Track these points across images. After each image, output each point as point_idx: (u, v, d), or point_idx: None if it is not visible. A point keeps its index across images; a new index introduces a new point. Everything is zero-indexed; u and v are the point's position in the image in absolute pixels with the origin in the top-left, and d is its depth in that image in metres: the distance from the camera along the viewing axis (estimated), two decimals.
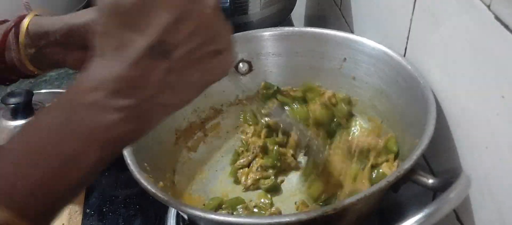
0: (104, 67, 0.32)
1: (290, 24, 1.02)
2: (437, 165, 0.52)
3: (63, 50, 0.50)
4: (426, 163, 0.54)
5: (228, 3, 0.76)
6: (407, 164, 0.42)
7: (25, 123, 0.34)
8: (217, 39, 0.35)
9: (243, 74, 0.66)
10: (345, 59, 0.62)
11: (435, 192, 0.50)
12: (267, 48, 0.66)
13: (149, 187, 0.45)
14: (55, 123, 0.33)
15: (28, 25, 0.50)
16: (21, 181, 0.31)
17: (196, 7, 0.33)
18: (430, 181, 0.43)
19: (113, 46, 0.32)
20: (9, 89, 0.80)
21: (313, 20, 1.03)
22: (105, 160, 0.34)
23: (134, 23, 0.32)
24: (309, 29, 0.65)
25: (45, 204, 0.32)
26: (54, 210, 0.33)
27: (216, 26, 0.34)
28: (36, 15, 0.51)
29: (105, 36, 0.33)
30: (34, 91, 0.72)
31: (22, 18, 0.51)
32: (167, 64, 0.33)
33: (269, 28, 0.67)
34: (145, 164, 0.50)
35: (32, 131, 0.34)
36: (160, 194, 0.44)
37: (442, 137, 0.48)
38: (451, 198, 0.39)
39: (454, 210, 0.48)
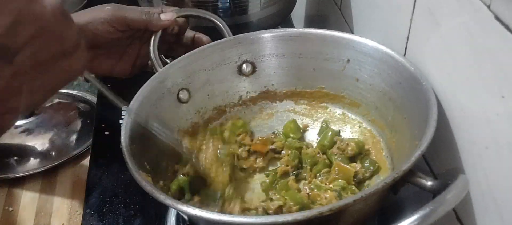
0: None
1: (290, 24, 1.01)
2: (437, 165, 0.52)
3: None
4: (426, 164, 0.54)
5: (228, 3, 0.76)
6: (405, 166, 0.42)
7: None
8: (61, 41, 0.34)
9: (247, 75, 0.66)
10: (348, 60, 0.61)
11: (435, 194, 0.50)
12: (271, 49, 0.65)
13: (147, 186, 0.45)
14: None
15: None
16: None
17: (35, 8, 0.32)
18: (429, 183, 0.43)
19: None
20: None
21: (313, 20, 1.03)
22: None
23: None
24: (313, 30, 0.64)
25: None
26: None
27: (58, 27, 0.33)
28: None
29: None
30: None
31: None
32: (12, 69, 0.32)
33: (273, 29, 0.66)
34: (145, 163, 0.50)
35: None
36: (158, 194, 0.43)
37: (443, 137, 0.48)
38: (447, 200, 0.39)
39: (454, 210, 0.48)
